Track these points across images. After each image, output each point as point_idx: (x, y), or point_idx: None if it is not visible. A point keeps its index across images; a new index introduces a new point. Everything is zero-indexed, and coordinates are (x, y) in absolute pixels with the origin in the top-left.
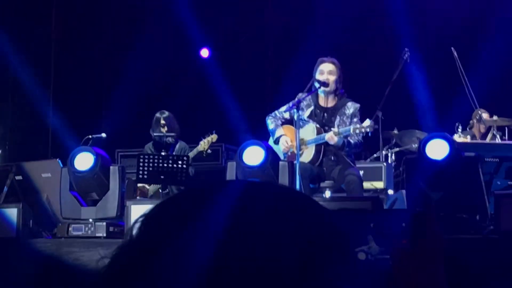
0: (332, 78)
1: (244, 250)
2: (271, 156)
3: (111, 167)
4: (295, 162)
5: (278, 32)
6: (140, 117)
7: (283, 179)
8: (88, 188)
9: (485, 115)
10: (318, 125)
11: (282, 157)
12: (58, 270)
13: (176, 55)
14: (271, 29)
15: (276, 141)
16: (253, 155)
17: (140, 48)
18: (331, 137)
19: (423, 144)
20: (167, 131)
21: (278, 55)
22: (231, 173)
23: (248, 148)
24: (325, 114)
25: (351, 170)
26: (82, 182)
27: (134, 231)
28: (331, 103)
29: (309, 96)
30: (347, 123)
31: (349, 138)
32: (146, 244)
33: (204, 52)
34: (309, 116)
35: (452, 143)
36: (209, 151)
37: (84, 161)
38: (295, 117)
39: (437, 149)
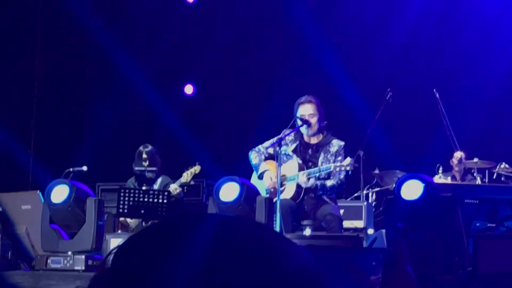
0: (313, 120)
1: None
2: (247, 192)
3: (87, 200)
4: (275, 199)
5: (262, 69)
6: (123, 150)
7: (260, 215)
8: (65, 221)
9: (465, 157)
10: (300, 161)
11: (264, 193)
12: None
13: (160, 89)
14: (255, 65)
15: (260, 176)
16: (229, 191)
17: (124, 81)
18: (302, 180)
19: (398, 185)
20: (148, 165)
21: (262, 91)
22: (211, 209)
23: (225, 185)
24: (310, 151)
25: (330, 209)
26: (57, 215)
27: (108, 263)
28: (315, 140)
29: (294, 132)
30: (331, 161)
31: (326, 181)
32: (119, 275)
33: (188, 89)
34: (294, 151)
35: (427, 183)
36: (192, 182)
37: (60, 193)
38: (278, 153)
39: (412, 190)
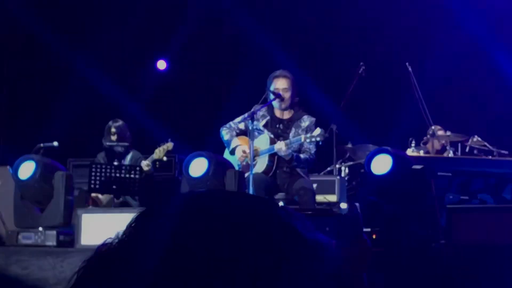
0: (287, 95)
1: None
2: (216, 166)
3: (55, 175)
4: (246, 173)
5: (233, 44)
6: (95, 125)
7: (230, 189)
8: (35, 197)
9: (440, 132)
10: (272, 135)
11: (237, 168)
12: (6, 279)
13: (133, 64)
14: (227, 41)
15: (232, 152)
16: (198, 167)
17: (96, 53)
18: (280, 147)
19: (367, 160)
20: (117, 140)
21: (233, 66)
22: (184, 185)
23: (193, 160)
24: (281, 125)
25: (303, 182)
26: (26, 191)
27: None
28: (287, 115)
29: (265, 107)
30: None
31: (300, 154)
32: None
33: (161, 64)
34: (265, 126)
35: (395, 156)
36: (164, 158)
37: (27, 169)
38: (250, 128)
39: (381, 164)
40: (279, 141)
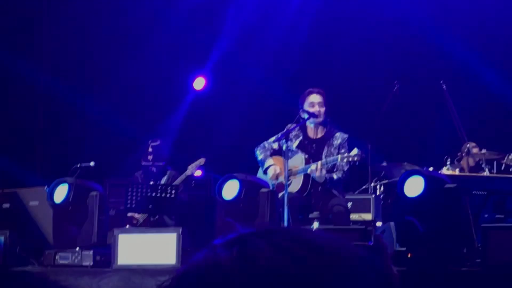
0: (322, 110)
1: None
2: (248, 187)
3: (89, 195)
4: (281, 192)
5: (267, 66)
6: (132, 145)
7: (263, 209)
8: (70, 218)
9: (474, 149)
10: (307, 156)
11: (271, 187)
12: None
13: (169, 81)
14: (260, 63)
15: (265, 171)
16: (230, 189)
17: (133, 72)
18: (316, 168)
19: (399, 184)
20: (152, 159)
21: (270, 84)
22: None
23: (226, 183)
24: (314, 145)
25: (338, 201)
26: (61, 213)
27: None
28: (319, 134)
29: (298, 127)
30: (335, 154)
31: (333, 174)
32: None
33: (199, 83)
34: (298, 147)
35: (427, 177)
36: (199, 173)
37: (61, 192)
38: (284, 148)
39: (414, 186)
40: (313, 163)
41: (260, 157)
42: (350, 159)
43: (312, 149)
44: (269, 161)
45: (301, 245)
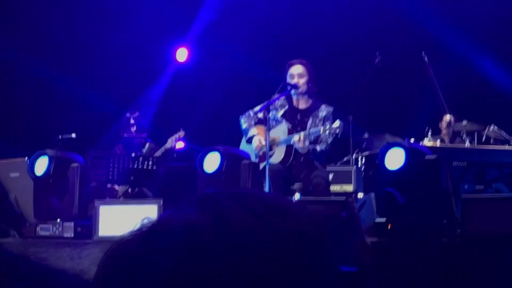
0: (302, 81)
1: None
2: (229, 160)
3: (70, 167)
4: (262, 164)
5: (254, 33)
6: (110, 117)
7: (244, 180)
8: (51, 190)
9: (454, 120)
10: (290, 126)
11: (254, 157)
12: (25, 271)
13: (151, 52)
14: (248, 30)
15: (249, 141)
16: (211, 162)
17: (114, 43)
18: (298, 139)
19: (380, 156)
20: (136, 131)
21: (253, 56)
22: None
23: (207, 156)
24: (298, 116)
25: (318, 173)
26: (42, 186)
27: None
28: (304, 104)
29: (283, 97)
30: (319, 126)
31: (316, 146)
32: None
33: (181, 53)
34: (283, 116)
35: (408, 149)
36: (181, 144)
37: (42, 165)
38: (268, 117)
39: (394, 158)
40: (296, 133)
41: (244, 125)
42: (333, 131)
43: (296, 120)
44: (253, 131)
45: (274, 211)
